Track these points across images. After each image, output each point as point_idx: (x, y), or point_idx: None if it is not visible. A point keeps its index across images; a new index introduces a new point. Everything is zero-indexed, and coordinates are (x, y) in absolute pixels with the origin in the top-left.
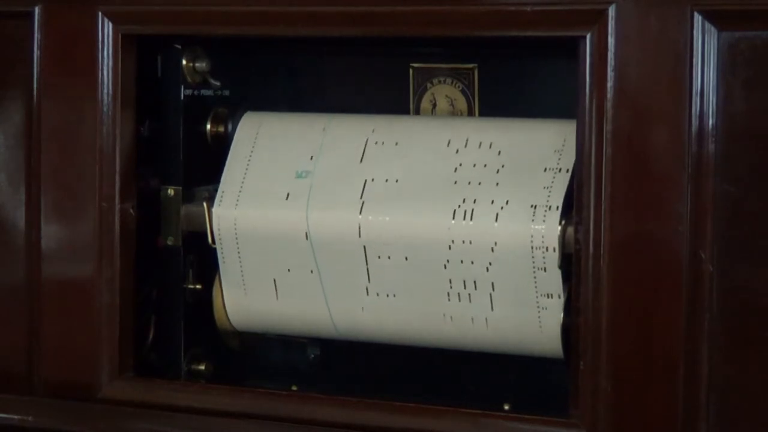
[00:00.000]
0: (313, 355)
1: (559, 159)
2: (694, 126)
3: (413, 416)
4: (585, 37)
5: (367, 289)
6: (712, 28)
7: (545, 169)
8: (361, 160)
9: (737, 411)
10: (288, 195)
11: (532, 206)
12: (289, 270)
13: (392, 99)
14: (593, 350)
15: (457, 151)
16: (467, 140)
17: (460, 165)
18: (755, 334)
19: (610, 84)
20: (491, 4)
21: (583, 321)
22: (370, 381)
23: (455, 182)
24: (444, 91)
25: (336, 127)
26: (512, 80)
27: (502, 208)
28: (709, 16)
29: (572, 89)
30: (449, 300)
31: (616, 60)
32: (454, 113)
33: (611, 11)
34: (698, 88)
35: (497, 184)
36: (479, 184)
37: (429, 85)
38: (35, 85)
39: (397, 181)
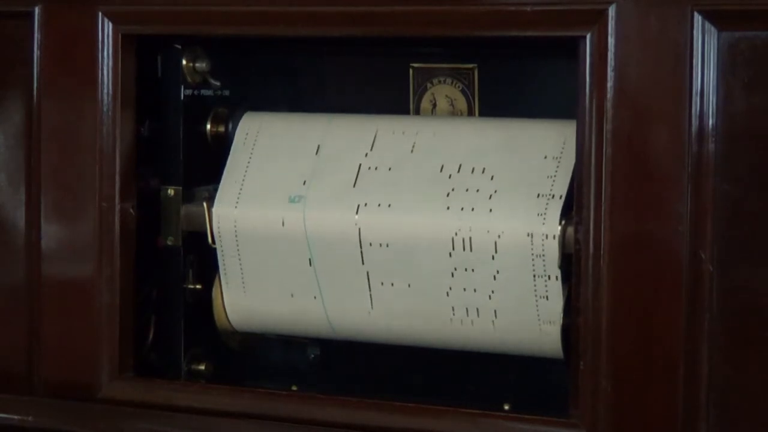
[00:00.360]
0: (313, 355)
1: (552, 185)
2: (694, 126)
3: (413, 416)
4: (585, 37)
5: (369, 312)
6: (712, 28)
7: (538, 195)
8: (354, 185)
9: (737, 411)
10: (283, 221)
11: (528, 234)
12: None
13: (392, 99)
14: (593, 350)
15: (450, 176)
16: (460, 166)
17: (453, 190)
18: (755, 334)
19: (610, 84)
20: (491, 4)
21: (583, 321)
22: (370, 381)
23: (448, 208)
24: (444, 91)
25: (331, 145)
26: (512, 80)
27: (499, 236)
28: (709, 16)
29: (572, 89)
30: (452, 323)
31: (616, 60)
32: (454, 113)
33: (611, 11)
34: (698, 88)
35: (491, 210)
36: (472, 210)
37: (429, 85)
38: (35, 85)
39: (389, 205)
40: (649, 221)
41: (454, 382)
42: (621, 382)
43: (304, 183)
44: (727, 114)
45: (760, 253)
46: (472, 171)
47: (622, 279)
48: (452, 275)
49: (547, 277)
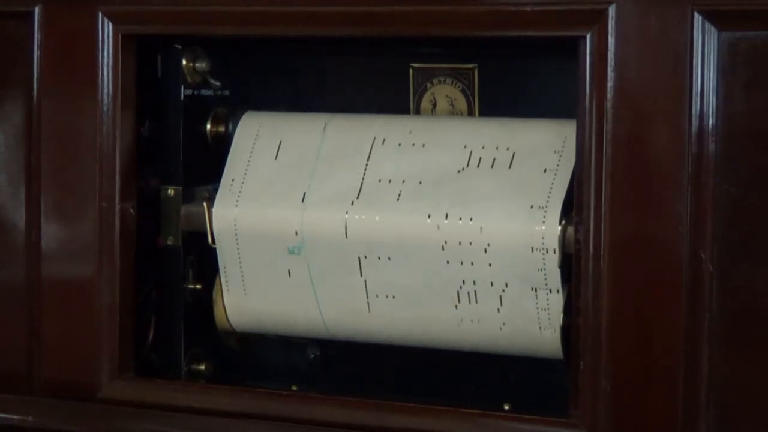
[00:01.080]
0: (313, 355)
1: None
2: (694, 126)
3: (413, 416)
4: (585, 37)
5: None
6: (712, 28)
7: (532, 249)
8: (345, 236)
9: (737, 411)
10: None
11: (532, 289)
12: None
13: (392, 99)
14: (593, 350)
15: (438, 227)
16: (447, 214)
17: (446, 242)
18: (755, 334)
19: (610, 84)
20: (491, 4)
21: (583, 321)
22: (370, 381)
23: (447, 262)
24: (444, 91)
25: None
26: (512, 80)
27: (503, 290)
28: (709, 16)
29: (572, 89)
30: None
31: (616, 60)
32: (454, 113)
33: (611, 11)
34: (698, 88)
35: (490, 265)
36: (471, 264)
37: (429, 85)
38: (35, 85)
39: (389, 258)
40: (649, 221)
41: (454, 382)
42: (621, 382)
43: (296, 233)
44: (727, 114)
45: (760, 253)
46: (460, 220)
47: (622, 279)
48: (458, 326)
49: (552, 330)
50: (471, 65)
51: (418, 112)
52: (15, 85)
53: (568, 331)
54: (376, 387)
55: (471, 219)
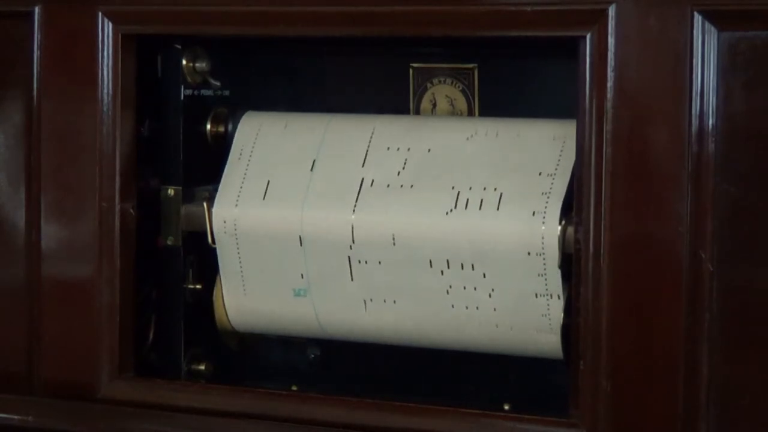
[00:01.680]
0: (313, 355)
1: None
2: (694, 126)
3: (413, 416)
4: (585, 37)
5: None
6: (712, 28)
7: (536, 295)
8: (351, 278)
9: (737, 411)
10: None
11: (536, 331)
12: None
13: (392, 99)
14: (593, 350)
15: (442, 273)
16: (447, 261)
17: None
18: (755, 334)
19: (610, 84)
20: (491, 4)
21: (583, 321)
22: (370, 381)
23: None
24: (444, 91)
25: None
26: (512, 80)
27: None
28: (709, 16)
29: (572, 89)
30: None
31: (616, 60)
32: (454, 113)
33: (611, 11)
34: (698, 88)
35: (495, 309)
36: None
37: (429, 85)
38: (35, 85)
39: (395, 302)
40: (649, 221)
41: (454, 382)
42: (621, 382)
43: (302, 276)
44: (727, 114)
45: (760, 253)
46: (462, 267)
47: (622, 279)
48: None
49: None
50: (471, 65)
51: (418, 112)
52: (15, 85)
53: (568, 331)
54: (376, 387)
55: (473, 267)
